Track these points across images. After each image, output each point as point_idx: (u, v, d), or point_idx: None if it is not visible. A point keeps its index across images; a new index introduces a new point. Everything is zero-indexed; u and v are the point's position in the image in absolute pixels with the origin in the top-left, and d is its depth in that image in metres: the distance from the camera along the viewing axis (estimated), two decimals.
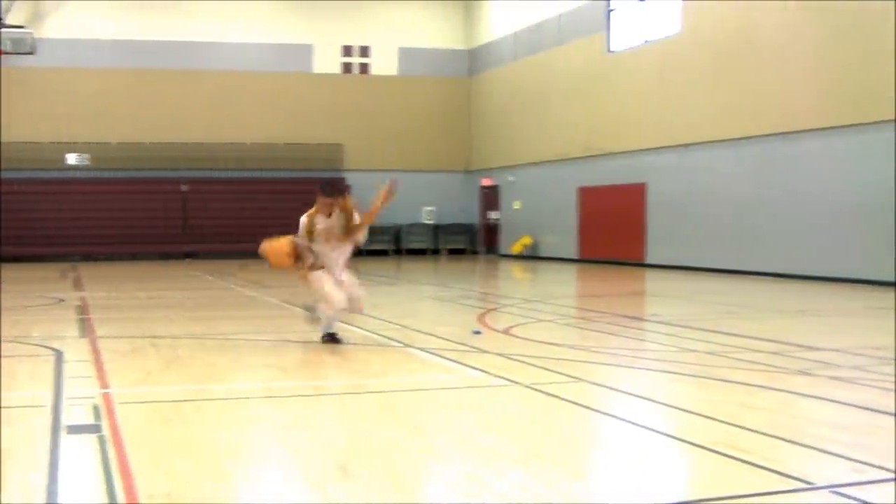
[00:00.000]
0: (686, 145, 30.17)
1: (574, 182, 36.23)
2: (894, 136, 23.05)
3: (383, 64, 44.56)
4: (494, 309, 18.57)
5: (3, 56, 39.12)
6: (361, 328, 14.58)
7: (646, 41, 32.53)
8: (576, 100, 36.31)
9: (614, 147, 33.84)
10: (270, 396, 9.36)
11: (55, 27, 40.98)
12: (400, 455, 6.98)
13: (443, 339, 13.29)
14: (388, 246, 42.61)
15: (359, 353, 12.24)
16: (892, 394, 9.14)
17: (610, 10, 34.46)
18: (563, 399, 8.92)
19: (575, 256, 36.10)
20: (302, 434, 7.76)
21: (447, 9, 45.07)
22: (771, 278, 25.95)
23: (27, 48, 38.98)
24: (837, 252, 24.71)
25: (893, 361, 11.17)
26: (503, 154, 41.79)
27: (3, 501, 5.84)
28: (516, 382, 9.78)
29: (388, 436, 7.60)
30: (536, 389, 9.40)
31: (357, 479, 6.31)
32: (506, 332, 14.27)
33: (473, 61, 44.77)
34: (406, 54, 44.65)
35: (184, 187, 41.61)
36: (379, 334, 13.33)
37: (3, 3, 38.75)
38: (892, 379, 9.92)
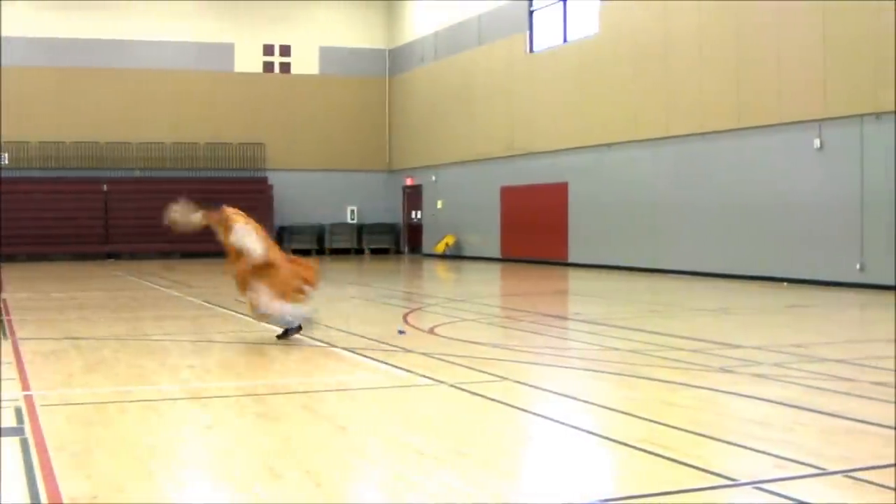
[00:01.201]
0: (606, 145, 30.39)
1: (497, 181, 36.34)
2: (814, 134, 23.39)
3: (304, 63, 44.43)
4: (418, 308, 18.60)
5: None
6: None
7: (565, 42, 32.70)
8: (498, 100, 36.43)
9: (536, 147, 33.99)
10: (195, 397, 9.31)
11: None
12: (326, 455, 6.98)
13: (367, 338, 13.29)
14: (312, 245, 42.47)
15: (282, 353, 12.21)
16: (814, 390, 9.29)
17: (532, 11, 34.61)
18: (488, 398, 8.96)
19: (498, 256, 36.22)
20: (227, 435, 7.74)
21: (368, 9, 45.03)
22: (690, 277, 26.23)
23: None
24: (755, 250, 25.01)
25: (812, 359, 11.36)
26: (425, 153, 41.83)
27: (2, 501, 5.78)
28: (441, 382, 9.81)
29: (313, 436, 7.60)
30: (462, 389, 9.44)
31: (285, 479, 6.29)
32: (430, 331, 14.30)
33: (395, 61, 44.77)
34: (327, 53, 44.54)
35: (104, 187, 41.21)
36: (302, 334, 13.30)
37: None
38: (814, 376, 10.08)
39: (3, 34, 40.34)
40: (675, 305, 19.58)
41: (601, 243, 30.65)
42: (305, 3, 44.00)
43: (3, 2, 39.85)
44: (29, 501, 5.81)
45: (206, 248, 39.50)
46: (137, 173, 41.95)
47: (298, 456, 6.94)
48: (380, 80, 45.25)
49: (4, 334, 13.97)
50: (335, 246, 43.35)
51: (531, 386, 9.93)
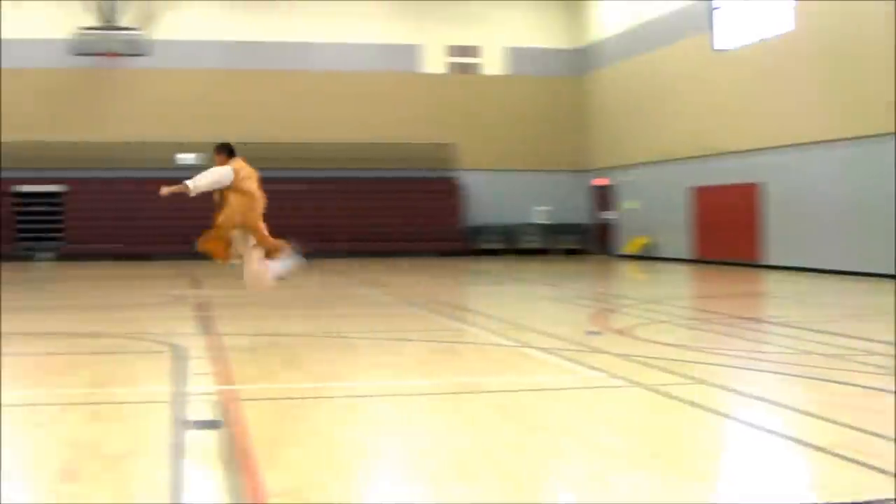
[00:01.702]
0: (802, 144, 29.69)
1: (686, 181, 35.84)
2: None
3: (491, 63, 44.52)
4: (610, 309, 18.47)
5: (115, 58, 39.87)
6: (478, 328, 14.60)
7: (758, 39, 32.07)
8: (686, 98, 35.91)
9: (726, 146, 33.42)
10: (389, 395, 9.42)
11: (165, 29, 41.59)
12: (521, 456, 6.99)
13: (559, 339, 13.23)
14: (501, 245, 42.55)
15: (476, 352, 12.26)
16: None
17: (714, 9, 34.08)
18: (682, 401, 8.84)
19: (689, 256, 35.74)
20: (423, 434, 7.79)
21: (554, 9, 44.85)
22: (889, 280, 25.46)
23: (139, 50, 39.73)
24: None
25: None
26: (614, 153, 41.51)
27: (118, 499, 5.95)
28: (635, 383, 9.72)
29: (508, 436, 7.60)
30: (655, 391, 9.33)
31: (477, 478, 6.32)
32: (623, 332, 14.19)
33: (582, 60, 44.48)
34: (514, 54, 44.54)
35: (298, 187, 41.93)
36: (495, 334, 13.32)
37: (115, 5, 39.51)
38: None
39: (194, 38, 41.53)
40: (876, 309, 19.00)
41: (798, 244, 29.94)
42: (491, 3, 44.05)
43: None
44: (230, 496, 5.95)
45: (399, 247, 40.31)
46: (325, 173, 42.52)
47: (493, 456, 6.95)
48: (567, 79, 45.03)
49: (202, 330, 14.31)
50: (524, 246, 43.28)
51: (725, 389, 9.76)
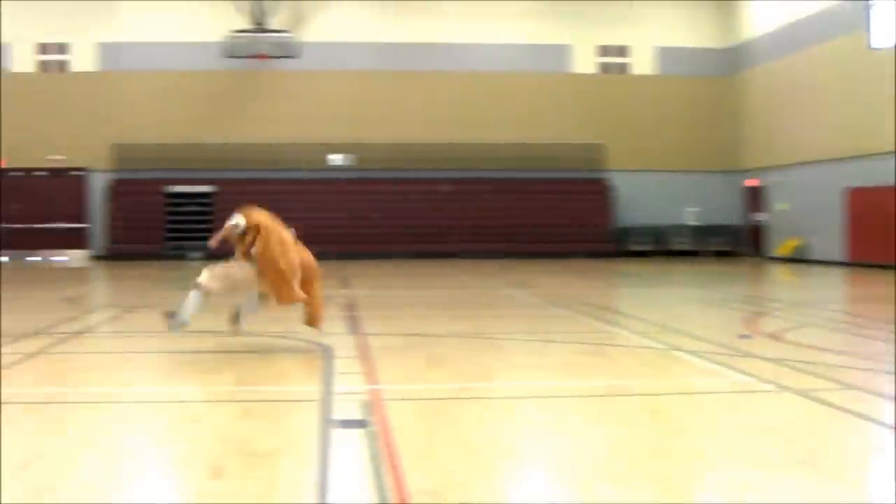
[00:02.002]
0: None
1: (841, 182, 35.07)
2: None
3: (641, 63, 44.13)
4: (762, 312, 18.14)
5: (266, 60, 40.48)
6: (627, 330, 14.46)
7: None
8: (840, 98, 35.11)
9: (882, 147, 32.59)
10: (535, 397, 9.36)
11: (314, 31, 42.07)
12: (668, 458, 6.89)
13: (709, 342, 13.02)
14: (650, 247, 42.16)
15: (624, 355, 12.15)
16: None
17: (870, 7, 33.29)
18: (834, 406, 8.63)
19: (843, 259, 34.95)
20: (567, 435, 7.73)
21: (705, 8, 44.26)
22: None
23: (290, 52, 40.26)
24: None
25: None
26: (766, 154, 40.79)
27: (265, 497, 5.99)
28: (785, 388, 9.51)
29: (655, 439, 7.50)
30: (805, 395, 9.12)
31: (624, 480, 6.25)
32: (773, 336, 13.90)
33: (733, 59, 43.84)
34: (664, 53, 44.08)
35: (446, 187, 42.10)
36: (644, 336, 13.18)
37: (266, 7, 40.10)
38: None
39: (344, 40, 42.00)
40: None
41: None
42: (642, 3, 43.66)
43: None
44: (376, 494, 5.96)
45: (547, 248, 40.19)
46: (474, 174, 42.57)
47: (640, 458, 6.87)
48: (717, 79, 44.38)
49: (350, 330, 14.40)
50: (674, 247, 42.82)
51: (878, 395, 9.49)
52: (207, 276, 11.96)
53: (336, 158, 42.36)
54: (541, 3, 43.18)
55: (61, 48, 41.97)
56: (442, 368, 10.99)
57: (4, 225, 41.31)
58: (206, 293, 11.91)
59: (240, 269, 12.06)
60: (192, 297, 11.89)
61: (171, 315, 11.96)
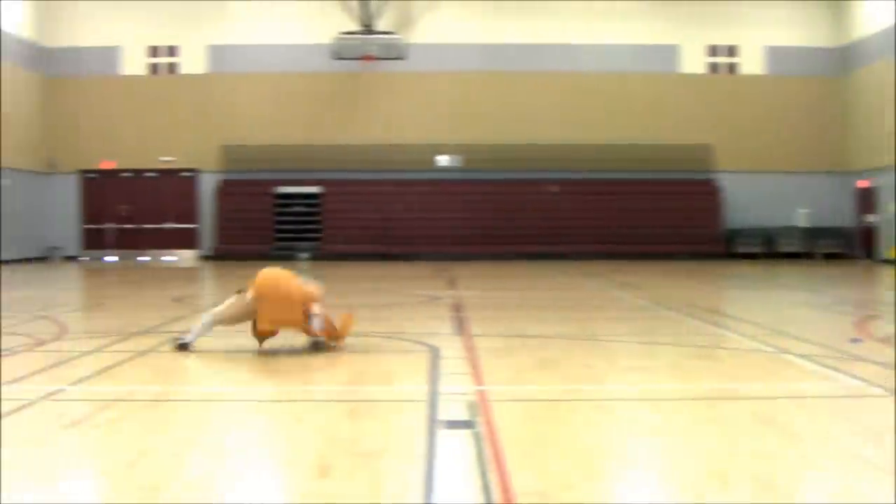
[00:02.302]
0: None
1: None
2: None
3: (750, 63, 43.60)
4: (873, 316, 17.79)
5: (373, 61, 40.69)
6: (736, 333, 14.28)
7: None
8: None
9: None
10: (642, 399, 9.27)
11: (421, 32, 42.20)
12: (775, 463, 6.77)
13: (819, 345, 12.78)
14: (759, 249, 41.65)
15: (733, 358, 11.99)
16: None
17: None
18: None
19: None
20: (675, 438, 7.64)
21: (815, 7, 43.57)
22: None
23: (397, 53, 40.41)
24: None
25: None
26: (877, 154, 40.03)
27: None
28: None
29: (764, 443, 7.38)
30: None
31: (731, 485, 6.17)
32: (885, 340, 13.61)
33: (844, 59, 43.11)
34: (774, 53, 43.49)
35: (553, 189, 42.02)
36: (753, 339, 12.99)
37: (374, 9, 40.30)
38: None
39: (450, 41, 42.11)
40: None
41: None
42: (751, 2, 43.12)
43: None
44: (482, 495, 5.92)
45: (655, 249, 39.91)
46: (580, 175, 42.40)
47: (749, 463, 6.76)
48: (828, 79, 43.67)
49: (456, 330, 14.38)
50: (784, 249, 42.23)
51: None
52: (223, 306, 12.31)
53: (443, 159, 42.46)
54: (649, 2, 42.94)
55: (171, 51, 42.63)
56: (549, 370, 10.92)
57: (115, 225, 42.09)
58: (219, 322, 12.30)
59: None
60: (204, 321, 12.32)
61: (180, 341, 12.26)
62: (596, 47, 42.95)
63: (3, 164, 38.52)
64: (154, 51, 42.74)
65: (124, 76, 42.70)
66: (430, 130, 42.24)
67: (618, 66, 43.09)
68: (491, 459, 6.69)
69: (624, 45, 43.07)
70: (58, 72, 42.58)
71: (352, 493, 6.00)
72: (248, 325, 12.11)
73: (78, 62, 42.60)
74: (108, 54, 42.62)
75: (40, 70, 42.25)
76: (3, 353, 11.69)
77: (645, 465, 6.89)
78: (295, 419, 8.35)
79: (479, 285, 25.63)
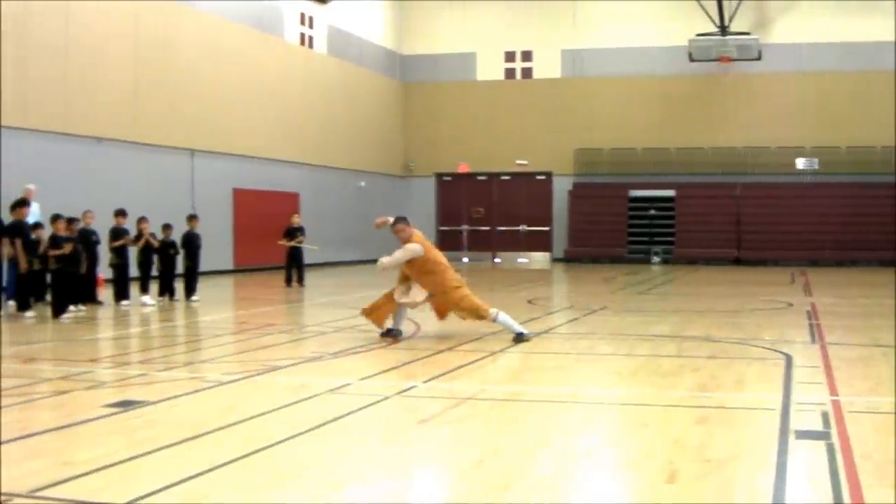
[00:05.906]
0: None
1: None
2: None
3: None
4: None
5: (729, 63, 40.13)
6: None
7: None
8: None
9: None
10: None
11: (777, 32, 41.30)
12: None
13: None
14: None
15: None
16: None
17: None
18: None
19: None
20: None
21: None
22: None
23: (752, 54, 39.68)
24: None
25: None
26: None
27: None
28: None
29: None
30: None
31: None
32: None
33: None
34: None
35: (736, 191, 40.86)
36: None
37: (732, 9, 39.73)
38: None
39: (807, 40, 41.04)
40: None
41: None
42: None
43: None
44: None
45: None
46: (768, 178, 40.85)
47: None
48: None
49: (812, 339, 14.06)
50: None
51: None
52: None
53: (801, 162, 41.52)
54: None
55: (526, 56, 43.37)
56: None
57: (469, 227, 43.17)
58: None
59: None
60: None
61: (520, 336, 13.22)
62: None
63: (363, 168, 40.16)
64: (509, 56, 43.61)
65: (479, 81, 43.76)
66: (789, 133, 41.30)
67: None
68: (844, 472, 6.54)
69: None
70: (416, 79, 44.06)
71: (701, 499, 5.98)
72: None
73: (435, 69, 43.94)
74: (465, 60, 43.79)
75: (399, 78, 43.83)
76: (359, 350, 12.27)
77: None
78: (642, 424, 8.39)
79: (833, 292, 24.88)
